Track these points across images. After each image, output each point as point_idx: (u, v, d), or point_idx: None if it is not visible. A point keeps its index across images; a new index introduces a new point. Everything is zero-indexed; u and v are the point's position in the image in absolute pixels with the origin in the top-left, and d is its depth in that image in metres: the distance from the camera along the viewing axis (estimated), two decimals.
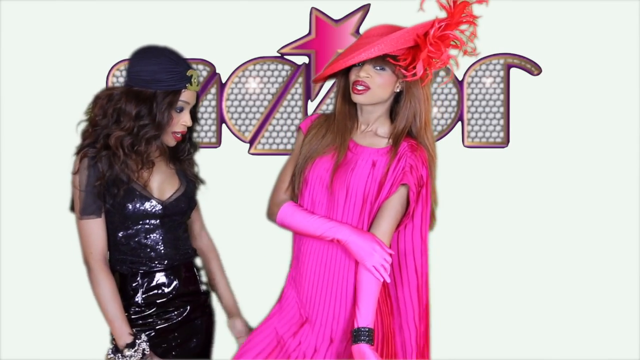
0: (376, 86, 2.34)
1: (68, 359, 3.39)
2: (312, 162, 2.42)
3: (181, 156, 2.52)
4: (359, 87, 2.35)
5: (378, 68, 2.34)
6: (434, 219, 2.49)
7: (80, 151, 2.36)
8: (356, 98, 2.37)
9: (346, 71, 2.43)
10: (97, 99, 2.38)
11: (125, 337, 2.33)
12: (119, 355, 2.33)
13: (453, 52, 2.32)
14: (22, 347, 3.47)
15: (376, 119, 2.44)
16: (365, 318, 2.27)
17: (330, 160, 2.40)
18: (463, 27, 2.32)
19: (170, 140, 2.41)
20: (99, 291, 2.35)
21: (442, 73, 3.45)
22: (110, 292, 2.35)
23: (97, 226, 2.35)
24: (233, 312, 2.68)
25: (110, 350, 2.35)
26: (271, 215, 2.48)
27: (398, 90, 2.40)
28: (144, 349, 2.33)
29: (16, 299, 3.49)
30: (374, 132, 2.44)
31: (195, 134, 2.57)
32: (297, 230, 2.41)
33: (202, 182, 2.60)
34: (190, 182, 2.53)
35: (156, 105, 2.30)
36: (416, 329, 2.43)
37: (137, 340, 2.33)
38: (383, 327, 2.38)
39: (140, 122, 2.31)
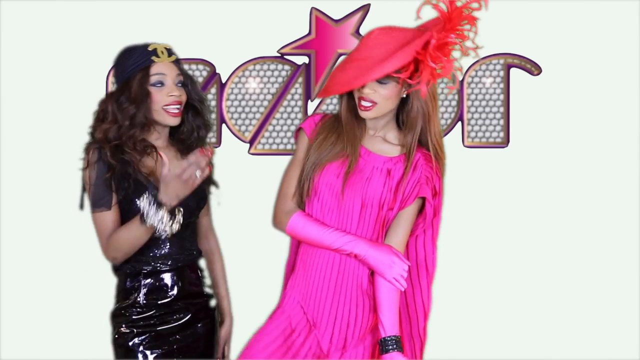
0: (382, 99, 2.29)
1: (68, 359, 3.39)
2: (321, 169, 2.37)
3: (191, 143, 2.50)
4: (365, 104, 2.29)
5: (382, 82, 2.28)
6: None
7: (87, 149, 2.38)
8: (364, 114, 2.32)
9: None
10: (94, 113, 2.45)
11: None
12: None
13: (455, 54, 2.27)
14: (22, 347, 3.48)
15: (384, 126, 2.40)
16: (392, 327, 2.28)
17: (340, 167, 2.35)
18: (464, 26, 2.28)
19: (167, 118, 2.39)
20: (118, 241, 2.29)
21: (446, 80, 3.45)
22: (120, 229, 2.30)
23: (109, 218, 2.35)
24: (223, 319, 2.67)
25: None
26: (279, 224, 2.42)
27: (404, 96, 2.35)
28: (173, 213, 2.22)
29: (16, 299, 3.49)
30: (382, 137, 2.40)
31: (202, 116, 2.52)
32: (309, 242, 2.36)
33: (215, 184, 2.58)
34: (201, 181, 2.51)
35: (131, 87, 2.34)
36: (424, 337, 2.42)
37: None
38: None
39: (121, 108, 2.34)
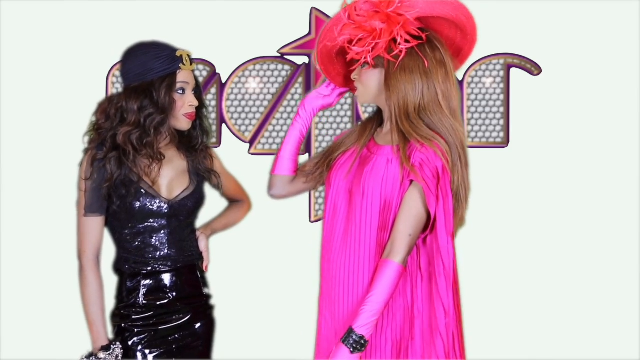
0: (362, 84, 2.30)
1: (68, 359, 3.39)
2: (334, 163, 2.39)
3: (195, 145, 2.51)
4: (354, 88, 2.36)
5: (363, 67, 2.28)
6: (462, 216, 2.34)
7: (88, 151, 2.37)
8: (356, 98, 2.38)
9: None
10: (98, 106, 2.41)
11: (102, 340, 2.37)
12: (93, 357, 2.35)
13: (380, 24, 2.19)
14: (22, 347, 3.47)
15: (389, 116, 2.34)
16: (367, 327, 2.16)
17: (348, 162, 2.35)
18: None
19: (183, 123, 2.41)
20: (85, 291, 2.38)
21: None
22: (96, 294, 2.37)
23: (97, 224, 2.37)
24: (209, 226, 2.63)
25: (84, 356, 2.38)
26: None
27: None
28: (117, 355, 2.34)
29: (16, 299, 3.49)
30: (389, 128, 2.34)
31: (205, 120, 2.55)
32: None
33: (216, 176, 2.59)
34: (201, 181, 2.52)
35: (156, 92, 2.32)
36: (447, 334, 2.28)
37: (112, 345, 2.35)
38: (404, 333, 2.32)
39: (145, 113, 2.32)
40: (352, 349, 2.14)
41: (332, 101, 2.49)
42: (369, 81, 2.29)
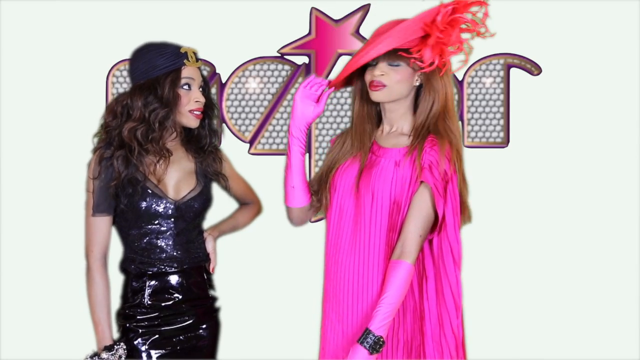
0: (393, 82, 2.27)
1: (67, 359, 3.39)
2: (335, 171, 2.38)
3: (204, 146, 2.51)
4: (376, 85, 2.29)
5: (393, 64, 2.27)
6: (468, 215, 2.38)
7: (96, 150, 2.38)
8: (374, 95, 2.30)
9: (362, 73, 2.35)
10: (107, 106, 2.44)
11: (106, 340, 2.38)
12: (97, 357, 2.35)
13: (465, 35, 2.24)
14: (22, 347, 3.48)
15: (400, 117, 2.35)
16: (383, 327, 2.16)
17: (353, 165, 2.35)
18: (474, 8, 2.25)
19: (191, 120, 2.41)
20: (91, 291, 2.39)
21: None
22: (102, 295, 2.38)
23: (105, 224, 2.38)
24: (217, 228, 2.62)
25: (89, 356, 2.38)
26: None
27: (417, 84, 2.32)
28: (120, 355, 2.35)
29: (16, 299, 3.49)
30: (399, 131, 2.36)
31: (215, 121, 2.55)
32: None
33: (224, 179, 2.59)
34: (208, 182, 2.52)
35: (160, 87, 2.33)
36: (455, 337, 2.31)
37: (115, 346, 2.35)
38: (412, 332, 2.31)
39: (149, 108, 2.34)
40: (371, 350, 2.15)
41: (322, 108, 2.44)
42: (405, 81, 2.30)
